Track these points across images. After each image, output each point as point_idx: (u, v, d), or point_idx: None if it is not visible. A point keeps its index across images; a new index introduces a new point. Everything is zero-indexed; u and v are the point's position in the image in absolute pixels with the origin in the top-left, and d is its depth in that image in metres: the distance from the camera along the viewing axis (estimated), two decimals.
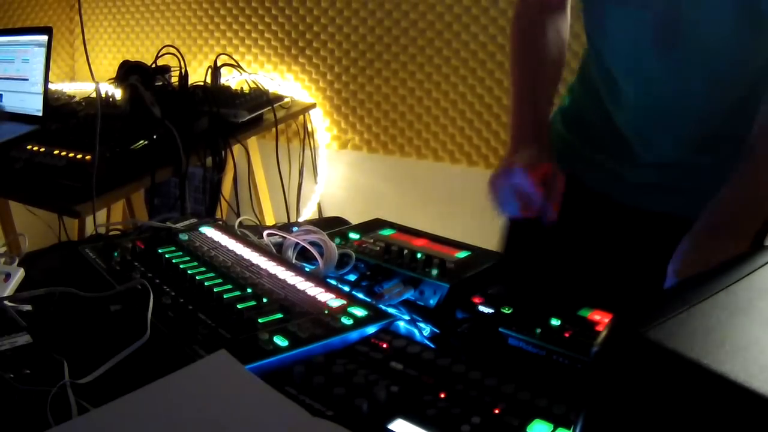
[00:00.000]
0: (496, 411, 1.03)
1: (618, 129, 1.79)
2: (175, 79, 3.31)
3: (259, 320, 1.27)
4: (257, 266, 1.53)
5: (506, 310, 1.39)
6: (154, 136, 2.83)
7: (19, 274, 1.54)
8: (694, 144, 1.71)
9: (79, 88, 4.15)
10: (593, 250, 1.85)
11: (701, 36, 1.58)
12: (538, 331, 1.29)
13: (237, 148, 3.36)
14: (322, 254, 1.60)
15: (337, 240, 1.68)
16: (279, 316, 1.30)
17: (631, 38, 1.67)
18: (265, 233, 1.73)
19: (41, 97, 3.34)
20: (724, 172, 1.60)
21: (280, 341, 1.20)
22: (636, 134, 1.77)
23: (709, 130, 1.69)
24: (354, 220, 1.95)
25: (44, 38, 3.43)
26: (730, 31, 1.56)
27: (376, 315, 1.33)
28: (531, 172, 1.63)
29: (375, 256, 1.60)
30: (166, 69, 3.36)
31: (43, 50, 3.41)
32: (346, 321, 1.29)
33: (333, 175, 4.29)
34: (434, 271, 1.51)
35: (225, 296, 1.36)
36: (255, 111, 3.39)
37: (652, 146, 1.76)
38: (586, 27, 1.82)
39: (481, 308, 1.43)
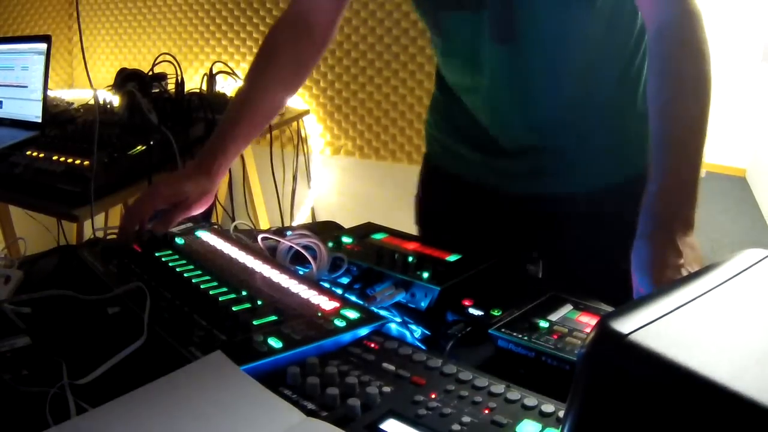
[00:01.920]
0: (486, 411, 1.03)
1: (479, 123, 1.85)
2: (171, 87, 3.31)
3: (254, 322, 1.27)
4: (252, 269, 1.53)
5: (496, 312, 1.40)
6: (151, 142, 2.83)
7: (19, 277, 1.54)
8: (549, 129, 1.78)
9: (77, 95, 4.14)
10: (494, 243, 1.87)
11: (536, 29, 1.64)
12: (527, 333, 1.29)
13: None
14: (315, 258, 1.60)
15: (330, 244, 1.68)
16: (273, 318, 1.30)
17: (469, 38, 1.73)
18: (259, 237, 1.73)
19: (40, 104, 3.34)
20: (589, 149, 1.75)
21: (275, 343, 1.20)
22: (492, 125, 1.83)
23: (559, 114, 1.75)
24: (346, 225, 1.95)
25: (43, 46, 3.43)
26: (563, 21, 1.62)
27: (368, 317, 1.33)
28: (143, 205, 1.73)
29: (367, 260, 1.60)
30: (162, 76, 3.36)
31: (42, 58, 3.41)
32: (339, 323, 1.29)
33: (326, 181, 4.30)
34: (425, 274, 1.51)
35: (220, 299, 1.36)
36: None
37: (510, 136, 1.83)
38: (430, 30, 1.88)
39: (471, 310, 1.43)
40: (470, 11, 1.67)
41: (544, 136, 1.78)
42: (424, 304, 1.47)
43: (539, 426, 1.00)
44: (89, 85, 2.48)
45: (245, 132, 1.88)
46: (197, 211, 1.78)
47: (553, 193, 1.81)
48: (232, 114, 1.89)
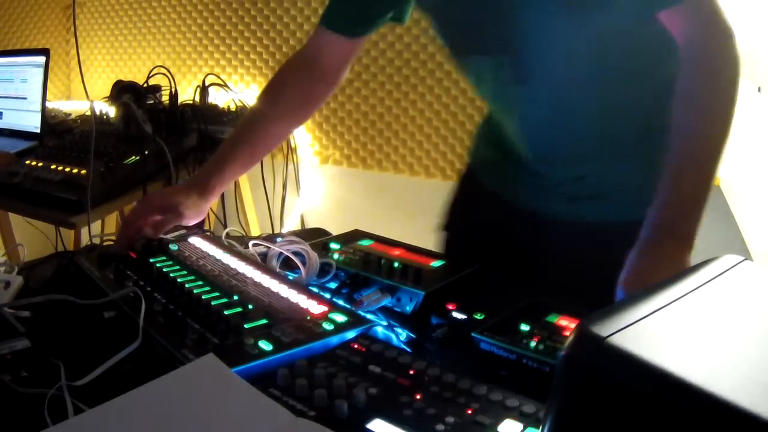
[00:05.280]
0: (469, 411, 1.03)
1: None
2: (165, 98, 3.31)
3: (245, 326, 1.26)
4: (243, 275, 1.53)
5: (478, 316, 1.40)
6: (146, 152, 2.84)
7: (18, 282, 1.53)
8: (583, 159, 1.74)
9: (74, 106, 4.14)
10: (525, 256, 1.86)
11: (556, 72, 1.62)
12: (509, 336, 1.29)
13: None
14: (304, 263, 1.60)
15: (319, 250, 1.68)
16: (264, 321, 1.30)
17: (494, 80, 1.72)
18: (250, 243, 1.73)
19: (39, 115, 3.35)
20: (621, 178, 1.67)
21: (265, 345, 1.20)
22: (529, 156, 1.81)
23: (590, 145, 1.72)
24: (335, 231, 1.95)
25: (42, 59, 3.43)
26: (582, 58, 1.59)
27: (355, 321, 1.33)
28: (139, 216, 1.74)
29: (354, 265, 1.60)
30: (157, 88, 3.36)
31: (41, 70, 3.41)
32: (327, 326, 1.29)
33: (315, 189, 4.29)
34: (410, 279, 1.51)
35: (213, 303, 1.35)
36: None
37: (548, 166, 1.80)
38: (462, 72, 1.87)
39: (455, 314, 1.43)
40: (490, 56, 1.66)
41: (581, 167, 1.75)
42: (409, 308, 1.47)
43: (520, 426, 1.00)
44: (86, 96, 2.47)
45: (246, 158, 1.89)
46: (189, 223, 1.78)
47: (591, 221, 1.76)
48: (235, 138, 1.90)
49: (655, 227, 1.36)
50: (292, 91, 1.92)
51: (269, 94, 1.95)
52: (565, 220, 1.80)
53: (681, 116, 1.42)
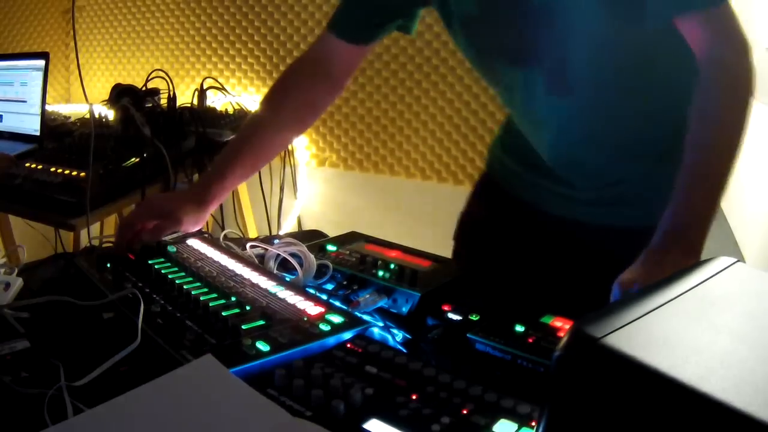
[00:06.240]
0: (465, 411, 1.03)
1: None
2: (164, 101, 3.30)
3: (243, 327, 1.26)
4: (241, 276, 1.53)
5: (474, 317, 1.40)
6: (145, 155, 2.83)
7: (18, 284, 1.53)
8: (607, 169, 1.73)
9: (74, 109, 4.13)
10: (543, 262, 1.84)
11: (589, 82, 1.60)
12: (504, 336, 1.29)
13: None
14: (301, 265, 1.60)
15: (316, 251, 1.68)
16: (261, 322, 1.30)
17: (524, 91, 1.69)
18: (248, 245, 1.73)
19: (39, 118, 3.34)
20: (650, 181, 1.63)
21: (262, 346, 1.20)
22: (555, 168, 1.79)
23: (617, 156, 1.71)
24: (331, 233, 1.95)
25: (41, 63, 3.43)
26: (615, 68, 1.58)
27: (351, 322, 1.33)
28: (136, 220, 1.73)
29: (351, 267, 1.60)
30: (155, 91, 3.35)
31: (41, 74, 3.41)
32: (324, 327, 1.29)
33: (312, 191, 4.29)
34: (406, 281, 1.51)
35: (211, 304, 1.35)
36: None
37: (575, 174, 1.78)
38: (489, 85, 1.83)
39: (451, 315, 1.43)
40: (520, 67, 1.65)
41: (605, 174, 1.74)
42: (405, 309, 1.47)
43: (515, 426, 1.00)
44: (85, 99, 2.47)
45: (246, 166, 1.86)
46: (187, 230, 1.77)
47: (621, 225, 1.74)
48: (237, 147, 1.87)
49: (666, 235, 1.36)
50: (295, 99, 1.89)
51: (271, 101, 1.92)
52: (584, 226, 1.79)
53: (697, 130, 1.42)
